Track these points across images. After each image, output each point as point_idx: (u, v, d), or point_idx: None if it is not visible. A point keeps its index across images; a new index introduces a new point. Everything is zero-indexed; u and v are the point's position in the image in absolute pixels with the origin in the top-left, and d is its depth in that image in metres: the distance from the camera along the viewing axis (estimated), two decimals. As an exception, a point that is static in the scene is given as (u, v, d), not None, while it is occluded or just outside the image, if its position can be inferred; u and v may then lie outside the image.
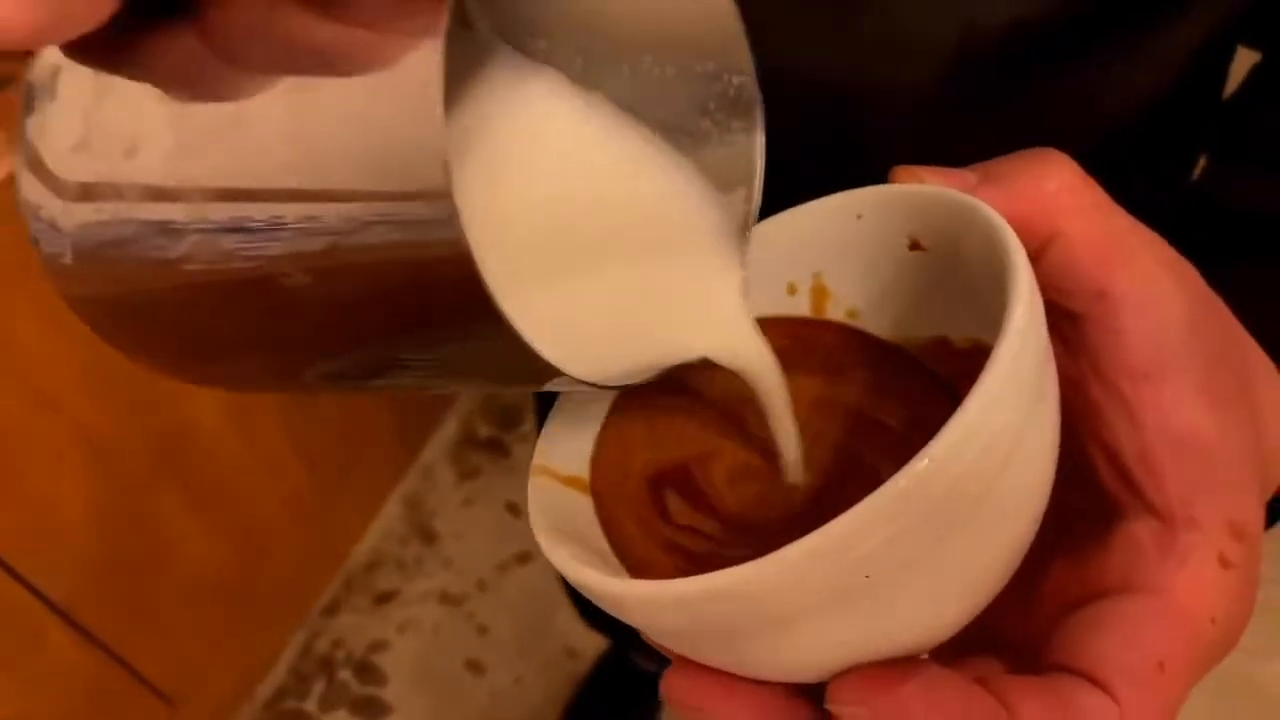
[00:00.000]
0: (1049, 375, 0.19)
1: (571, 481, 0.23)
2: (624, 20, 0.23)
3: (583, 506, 0.23)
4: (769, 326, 0.24)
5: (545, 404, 0.70)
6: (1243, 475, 0.21)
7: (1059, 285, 0.22)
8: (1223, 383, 0.21)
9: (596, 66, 0.23)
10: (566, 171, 0.22)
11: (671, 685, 0.21)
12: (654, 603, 0.18)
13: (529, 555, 1.20)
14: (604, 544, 0.22)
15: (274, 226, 0.17)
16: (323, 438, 1.10)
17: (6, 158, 0.72)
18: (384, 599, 1.21)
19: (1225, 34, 0.36)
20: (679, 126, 0.24)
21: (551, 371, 0.17)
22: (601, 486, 0.23)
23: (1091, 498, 0.22)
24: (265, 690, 1.13)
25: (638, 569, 0.21)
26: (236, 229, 0.17)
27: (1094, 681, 0.19)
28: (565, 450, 0.24)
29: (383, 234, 0.16)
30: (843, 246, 0.25)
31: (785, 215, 0.25)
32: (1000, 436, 0.17)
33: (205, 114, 0.17)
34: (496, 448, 1.32)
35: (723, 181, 0.24)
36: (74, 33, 0.16)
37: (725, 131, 0.24)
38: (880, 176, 0.26)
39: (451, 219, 0.15)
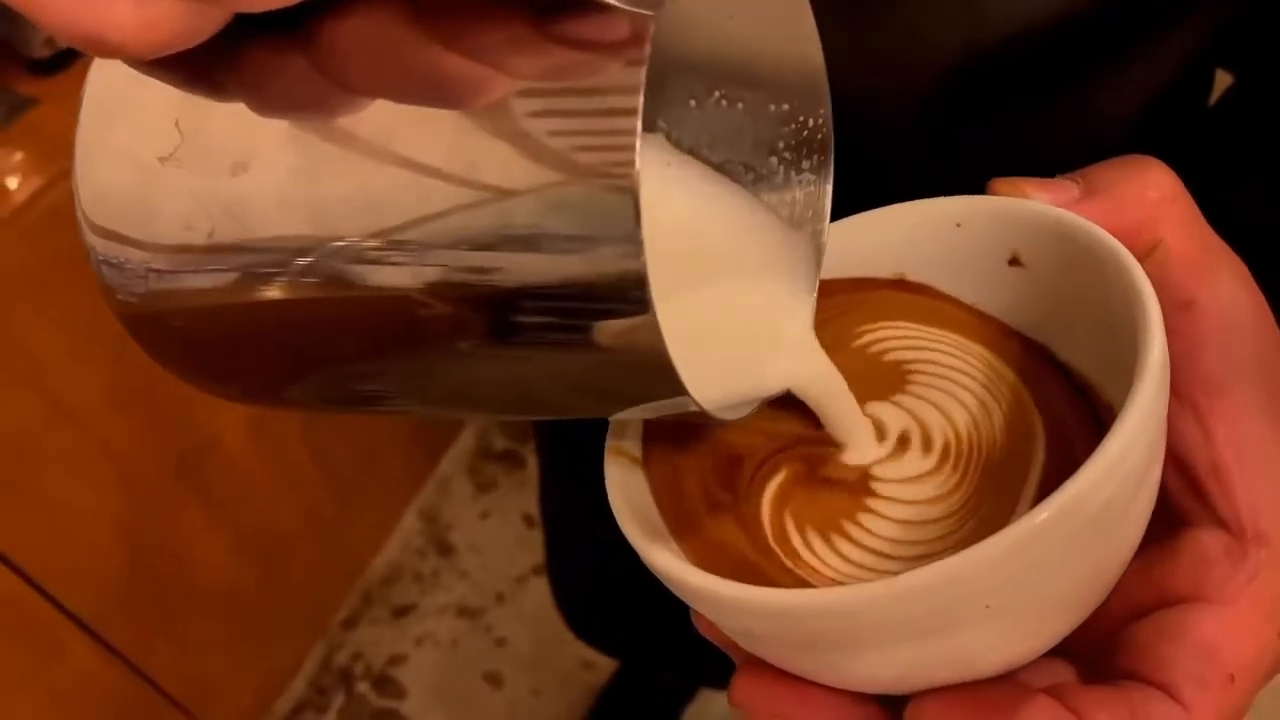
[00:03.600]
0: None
1: (639, 461, 0.23)
2: (703, 54, 0.22)
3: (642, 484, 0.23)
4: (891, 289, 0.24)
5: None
6: None
7: None
8: (1279, 392, 0.22)
9: (655, 99, 0.22)
10: (657, 212, 0.22)
11: (740, 689, 0.22)
12: (762, 611, 0.19)
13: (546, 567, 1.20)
14: (660, 520, 0.22)
15: (418, 259, 0.16)
16: (341, 451, 1.10)
17: (33, 177, 0.74)
18: (402, 612, 1.21)
19: (1212, 46, 0.36)
20: (742, 164, 0.23)
21: (680, 400, 0.17)
22: (656, 464, 0.23)
23: (1156, 504, 0.22)
24: (285, 704, 1.14)
25: (694, 547, 0.22)
26: (368, 260, 0.16)
27: (1164, 689, 0.19)
28: (636, 430, 0.24)
29: (550, 270, 0.15)
30: (934, 253, 0.25)
31: (872, 214, 0.25)
32: (1137, 467, 0.18)
33: (342, 133, 0.16)
34: (513, 460, 1.32)
35: (788, 218, 0.24)
36: (181, 47, 0.14)
37: (793, 171, 0.23)
38: (881, 180, 0.26)
39: (638, 259, 0.14)
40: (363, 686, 1.16)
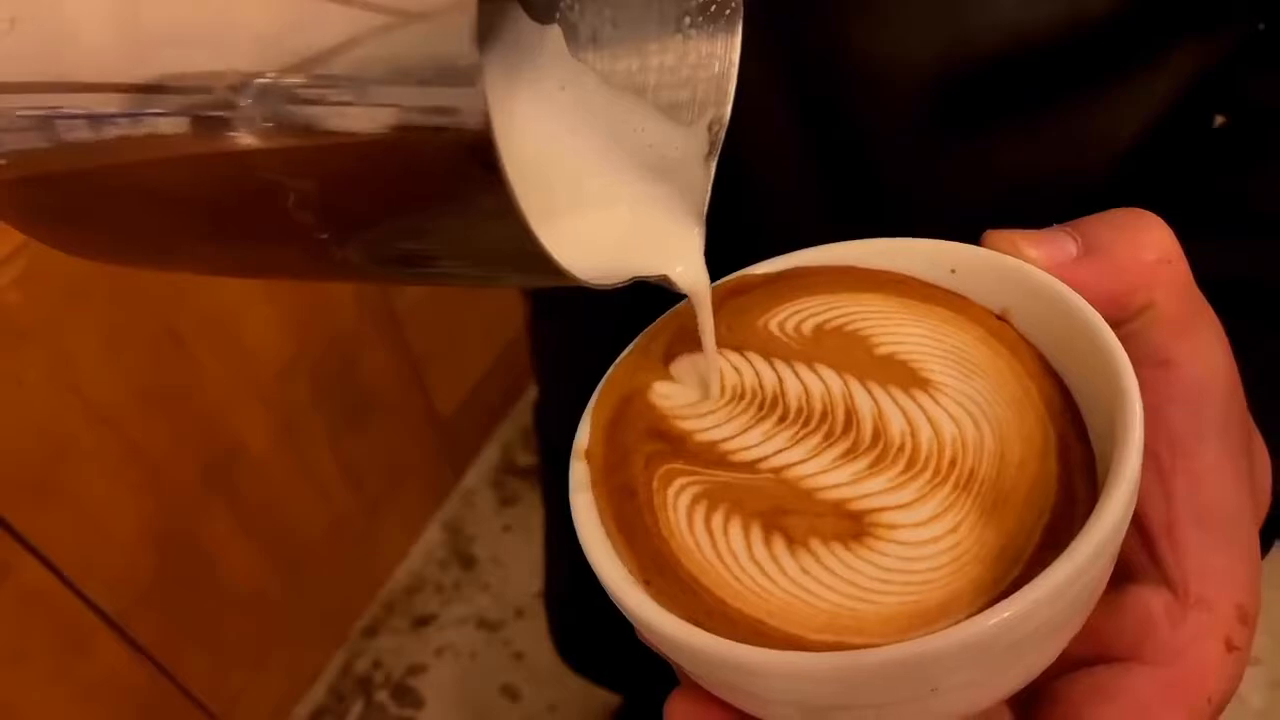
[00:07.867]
0: None
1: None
2: None
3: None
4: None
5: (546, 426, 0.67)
6: (1253, 555, 0.21)
7: (1128, 351, 0.22)
8: (1240, 457, 0.22)
9: None
10: (545, 103, 0.22)
11: (676, 710, 0.22)
12: (729, 665, 0.19)
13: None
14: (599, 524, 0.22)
15: (254, 93, 0.15)
16: (368, 462, 1.12)
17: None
18: (423, 622, 1.22)
19: (1200, 88, 0.36)
20: (648, 41, 0.23)
21: (541, 258, 0.16)
22: (597, 460, 0.23)
23: None
24: (304, 709, 1.15)
25: (628, 550, 0.22)
26: (187, 88, 0.15)
27: None
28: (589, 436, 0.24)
29: (389, 115, 0.15)
30: None
31: (874, 243, 0.25)
32: (1114, 544, 0.18)
33: None
34: (537, 475, 1.33)
35: (689, 103, 0.23)
36: None
37: (704, 41, 0.23)
38: (859, 202, 0.26)
39: (479, 101, 0.14)
40: (382, 695, 1.17)
